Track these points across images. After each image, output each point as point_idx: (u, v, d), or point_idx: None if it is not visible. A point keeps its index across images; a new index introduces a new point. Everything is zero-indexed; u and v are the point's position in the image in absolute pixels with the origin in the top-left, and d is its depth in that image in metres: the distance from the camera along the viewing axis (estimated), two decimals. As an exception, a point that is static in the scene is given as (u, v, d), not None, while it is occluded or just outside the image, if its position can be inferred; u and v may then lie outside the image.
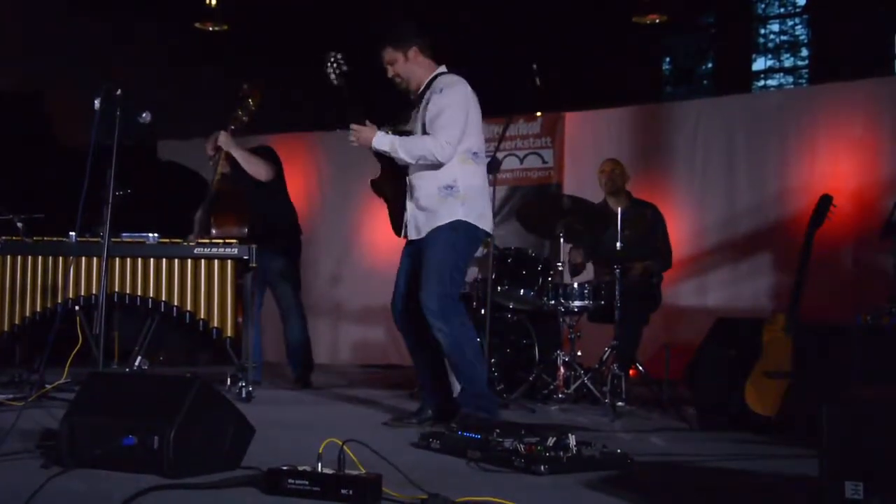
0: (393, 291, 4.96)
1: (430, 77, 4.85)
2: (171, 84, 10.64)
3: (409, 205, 4.82)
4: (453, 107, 4.67)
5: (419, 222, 4.77)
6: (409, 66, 4.83)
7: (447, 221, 4.67)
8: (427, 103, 4.73)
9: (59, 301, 5.49)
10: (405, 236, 4.89)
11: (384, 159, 4.86)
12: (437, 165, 4.66)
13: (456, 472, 3.54)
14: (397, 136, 4.73)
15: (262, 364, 6.93)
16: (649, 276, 6.59)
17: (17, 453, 3.61)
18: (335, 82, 4.82)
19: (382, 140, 4.71)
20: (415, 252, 4.82)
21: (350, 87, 4.82)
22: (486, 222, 4.78)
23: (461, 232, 4.68)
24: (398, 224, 4.90)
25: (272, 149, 6.82)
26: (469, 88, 4.77)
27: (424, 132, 4.70)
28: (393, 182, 4.88)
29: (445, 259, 4.64)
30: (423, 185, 4.73)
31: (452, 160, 4.66)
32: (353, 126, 4.76)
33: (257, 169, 6.40)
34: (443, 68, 4.89)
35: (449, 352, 4.65)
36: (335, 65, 4.82)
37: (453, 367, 4.69)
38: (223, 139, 6.19)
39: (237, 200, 6.21)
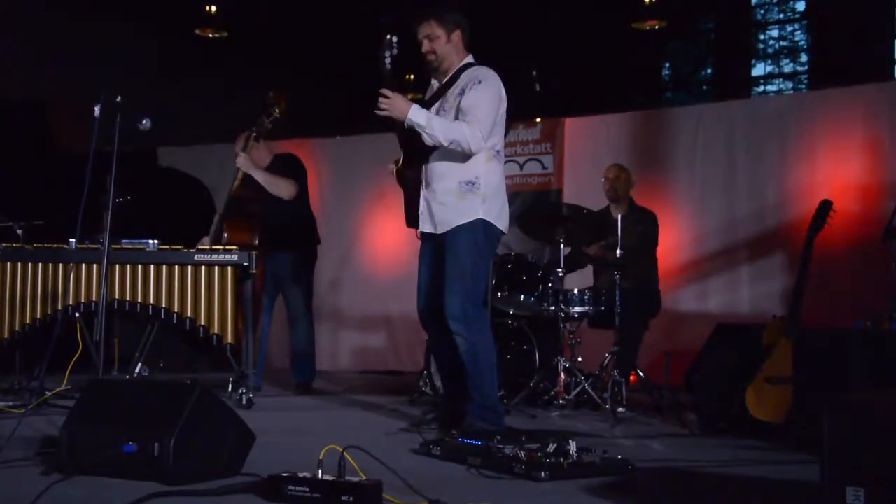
0: (417, 291, 4.90)
1: (460, 64, 4.76)
2: (172, 90, 10.65)
3: (426, 194, 4.73)
4: (491, 101, 4.59)
5: (436, 216, 4.69)
6: (448, 47, 4.73)
7: (467, 221, 4.60)
8: (461, 94, 4.63)
9: (60, 308, 5.48)
10: (416, 227, 4.81)
11: (409, 149, 4.74)
12: (460, 159, 4.59)
13: (456, 478, 3.54)
14: (434, 115, 4.61)
15: (263, 369, 6.91)
16: (646, 277, 6.56)
17: (18, 461, 3.60)
18: (388, 67, 4.66)
19: (419, 113, 4.54)
20: (433, 248, 4.75)
21: (396, 71, 4.70)
22: (503, 221, 4.72)
23: (481, 232, 4.61)
24: (413, 215, 4.80)
25: (297, 158, 6.82)
26: (502, 85, 4.69)
27: (457, 119, 4.60)
28: (415, 171, 4.77)
29: (467, 263, 4.58)
30: (444, 177, 4.64)
31: (479, 156, 4.59)
32: (386, 92, 4.57)
33: (281, 190, 6.40)
34: (471, 58, 4.81)
35: (465, 358, 4.60)
36: (391, 49, 4.67)
37: (467, 375, 4.63)
38: (242, 162, 6.17)
39: (252, 209, 6.21)
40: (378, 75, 4.68)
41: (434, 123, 4.55)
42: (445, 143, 4.55)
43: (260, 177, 6.30)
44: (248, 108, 6.48)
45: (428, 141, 4.59)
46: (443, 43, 4.74)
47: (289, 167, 6.61)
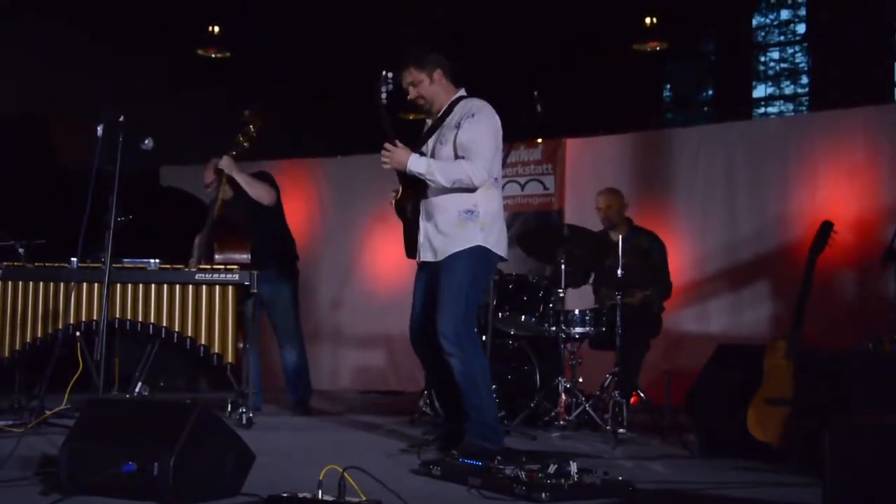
0: (410, 315, 4.92)
1: (451, 99, 4.82)
2: (174, 110, 10.67)
3: (426, 226, 4.77)
4: (487, 133, 4.65)
5: (436, 245, 4.73)
6: (434, 87, 4.80)
7: (466, 247, 4.64)
8: (456, 127, 4.68)
9: (60, 327, 5.48)
10: (417, 258, 4.84)
11: (406, 180, 4.80)
12: (458, 189, 4.63)
13: (457, 499, 3.53)
14: (432, 160, 4.69)
15: (262, 390, 6.90)
16: (649, 305, 6.57)
17: (17, 480, 3.60)
18: (384, 101, 4.77)
19: (418, 162, 4.65)
20: (430, 275, 4.78)
21: (391, 108, 4.80)
22: (502, 247, 4.76)
23: (478, 258, 4.65)
24: (413, 246, 4.85)
25: (270, 174, 6.83)
26: (496, 114, 4.75)
27: (456, 155, 4.65)
28: (414, 203, 4.82)
29: (462, 285, 4.61)
30: (444, 208, 4.69)
31: None
32: (387, 146, 4.69)
33: (260, 192, 6.41)
34: (463, 91, 4.87)
35: (459, 379, 4.62)
36: (387, 84, 4.77)
37: (462, 395, 4.64)
38: (226, 163, 6.20)
39: (239, 226, 6.22)
40: (376, 111, 4.75)
41: (434, 168, 4.62)
42: (448, 185, 4.62)
43: (242, 179, 6.31)
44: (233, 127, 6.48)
45: (432, 185, 4.66)
46: (427, 85, 4.80)
47: (265, 181, 6.62)
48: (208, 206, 6.60)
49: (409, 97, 4.86)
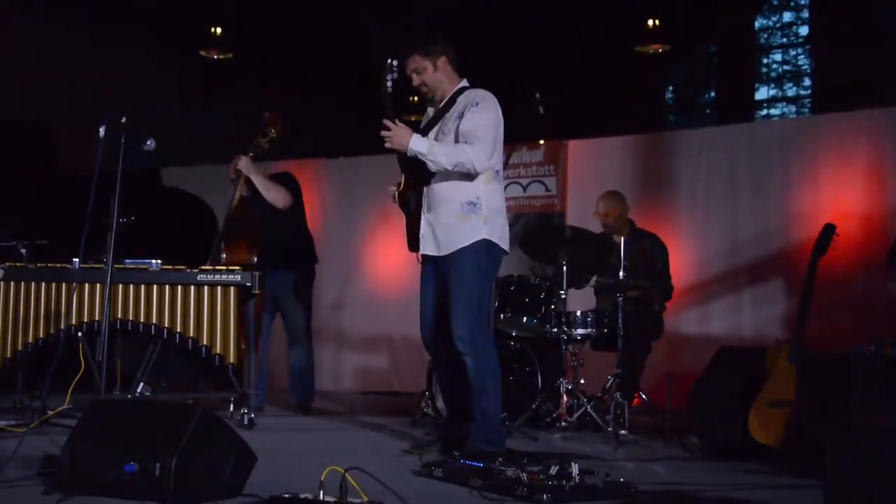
0: (420, 315, 4.91)
1: (454, 89, 4.82)
2: (176, 111, 10.68)
3: (428, 217, 4.75)
4: (490, 122, 4.65)
5: (439, 238, 4.71)
6: (438, 75, 4.80)
7: (470, 242, 4.63)
8: (459, 117, 4.68)
9: (62, 327, 5.49)
10: (419, 251, 4.82)
11: (409, 170, 4.79)
12: (462, 181, 4.63)
13: (458, 500, 3.53)
14: (434, 141, 4.68)
15: (265, 389, 6.90)
16: (649, 302, 6.57)
17: (19, 480, 3.60)
18: (389, 89, 4.75)
19: (419, 142, 4.61)
20: (435, 272, 4.77)
21: (395, 96, 4.79)
22: (505, 241, 4.76)
23: (484, 252, 4.64)
24: (415, 239, 4.82)
25: (292, 175, 6.84)
26: (498, 105, 4.74)
27: (457, 143, 4.64)
28: (417, 195, 4.80)
29: (473, 285, 4.61)
30: (446, 199, 4.67)
31: (479, 177, 4.63)
32: (387, 123, 4.63)
33: (275, 196, 6.42)
34: (465, 82, 4.87)
35: (472, 379, 4.61)
36: (392, 72, 4.75)
37: (472, 396, 4.64)
38: (244, 164, 6.22)
39: (250, 228, 6.24)
40: (379, 98, 4.75)
41: (436, 150, 4.60)
42: (450, 168, 4.59)
43: (258, 180, 6.33)
44: (251, 128, 6.51)
45: (432, 167, 4.63)
46: (430, 73, 4.81)
47: (284, 183, 6.63)
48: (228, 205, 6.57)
49: (412, 84, 4.86)
